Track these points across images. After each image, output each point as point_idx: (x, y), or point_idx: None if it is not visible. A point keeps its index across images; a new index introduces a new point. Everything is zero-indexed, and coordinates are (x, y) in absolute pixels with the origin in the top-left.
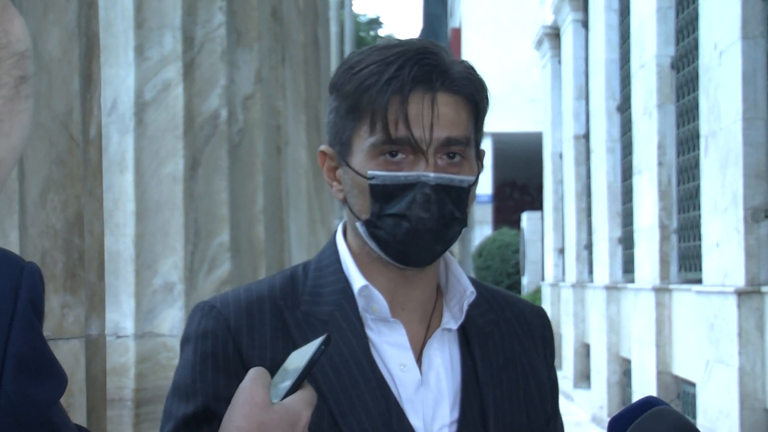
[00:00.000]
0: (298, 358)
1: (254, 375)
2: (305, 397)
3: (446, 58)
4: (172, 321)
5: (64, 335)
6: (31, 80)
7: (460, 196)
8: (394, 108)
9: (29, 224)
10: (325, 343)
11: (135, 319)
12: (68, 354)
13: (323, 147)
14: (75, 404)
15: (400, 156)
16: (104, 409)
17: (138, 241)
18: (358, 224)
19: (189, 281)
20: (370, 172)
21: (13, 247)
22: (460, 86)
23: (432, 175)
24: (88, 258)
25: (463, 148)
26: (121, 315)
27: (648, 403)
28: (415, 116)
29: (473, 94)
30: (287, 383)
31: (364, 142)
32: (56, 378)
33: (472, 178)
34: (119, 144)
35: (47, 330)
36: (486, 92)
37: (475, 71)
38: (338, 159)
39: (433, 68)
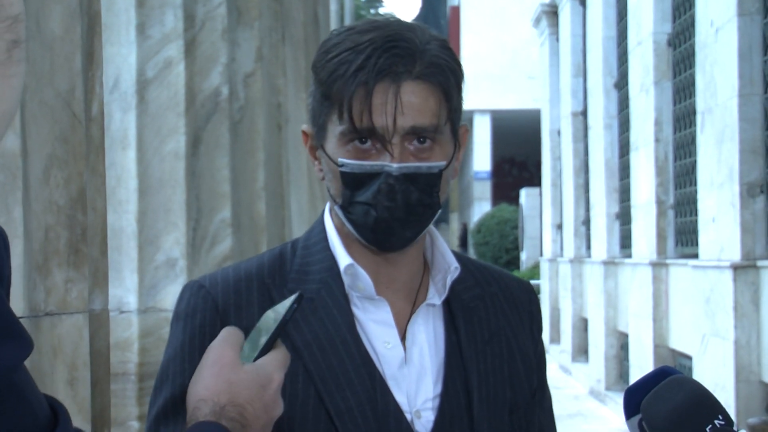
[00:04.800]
0: (271, 318)
1: (224, 335)
2: (278, 358)
3: (419, 43)
4: (174, 296)
5: (67, 310)
6: (23, 44)
7: (430, 182)
8: (358, 99)
9: (33, 200)
10: (297, 301)
11: (138, 295)
12: (72, 328)
13: (305, 127)
14: (79, 378)
15: (368, 144)
16: (108, 383)
17: (140, 218)
18: (336, 207)
19: (191, 257)
20: (341, 160)
21: (17, 223)
22: (428, 74)
23: (395, 165)
24: (91, 234)
25: (431, 134)
26: (124, 290)
27: (663, 372)
28: (379, 106)
29: (441, 82)
30: (260, 343)
31: (335, 128)
32: (19, 341)
33: (442, 164)
34: (121, 121)
35: (51, 305)
36: (458, 76)
37: (448, 53)
38: (316, 141)
39: (400, 58)
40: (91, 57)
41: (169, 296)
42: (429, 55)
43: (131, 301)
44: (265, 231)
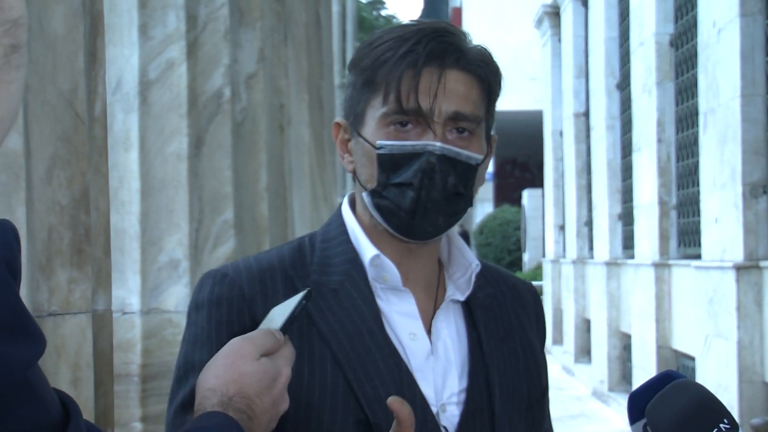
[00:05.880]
0: (279, 314)
1: (251, 333)
2: (287, 355)
3: (464, 40)
4: (177, 297)
5: (71, 310)
6: (23, 50)
7: (466, 173)
8: (407, 80)
9: (35, 200)
10: (306, 297)
11: (141, 296)
12: (75, 329)
13: (338, 119)
14: (83, 378)
15: (409, 126)
16: (111, 384)
17: (143, 219)
18: (364, 194)
19: (194, 258)
20: (379, 142)
21: (20, 223)
22: (474, 66)
23: (438, 144)
24: (94, 234)
25: (472, 125)
26: (127, 291)
27: (667, 376)
28: (425, 88)
29: (487, 76)
30: None
31: (376, 112)
32: (33, 339)
33: (479, 157)
34: (124, 122)
35: (55, 305)
36: (500, 77)
37: (491, 56)
38: (351, 130)
39: (448, 45)
40: (93, 57)
41: (172, 297)
42: (475, 51)
43: (134, 302)
44: (268, 232)
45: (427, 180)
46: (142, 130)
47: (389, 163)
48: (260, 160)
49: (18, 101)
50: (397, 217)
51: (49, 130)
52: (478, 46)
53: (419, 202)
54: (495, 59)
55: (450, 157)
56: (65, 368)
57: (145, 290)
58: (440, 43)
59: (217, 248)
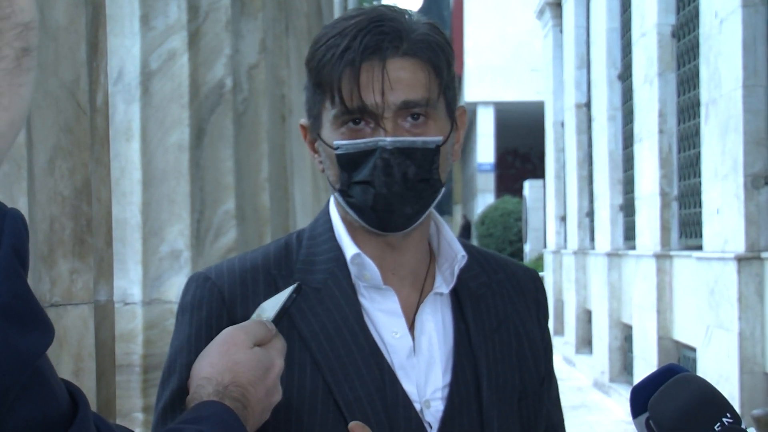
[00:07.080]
0: (270, 307)
1: (244, 323)
2: (278, 346)
3: (405, 23)
4: (179, 288)
5: (73, 301)
6: (34, 53)
7: (427, 157)
8: (347, 79)
9: (37, 191)
10: (296, 291)
11: (142, 286)
12: (77, 319)
13: (302, 121)
14: (84, 369)
15: (362, 124)
16: (113, 374)
17: (145, 209)
18: (336, 194)
19: (195, 248)
20: (336, 142)
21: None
22: (416, 50)
23: (389, 139)
24: (96, 224)
25: (425, 108)
26: (128, 282)
27: (669, 370)
28: (366, 84)
29: (430, 57)
30: None
31: (329, 113)
32: (43, 328)
33: (438, 139)
34: (125, 113)
35: (57, 295)
36: (446, 52)
37: (435, 32)
38: (313, 132)
39: (385, 36)
40: (95, 47)
41: (174, 288)
42: (416, 34)
43: (135, 292)
44: (269, 222)
45: (385, 176)
46: (143, 120)
47: (348, 163)
48: (262, 150)
49: (28, 104)
50: (365, 214)
51: (51, 121)
52: (422, 23)
53: (381, 199)
54: (441, 34)
55: (404, 148)
56: (67, 359)
57: (146, 281)
58: (376, 33)
59: (218, 239)
